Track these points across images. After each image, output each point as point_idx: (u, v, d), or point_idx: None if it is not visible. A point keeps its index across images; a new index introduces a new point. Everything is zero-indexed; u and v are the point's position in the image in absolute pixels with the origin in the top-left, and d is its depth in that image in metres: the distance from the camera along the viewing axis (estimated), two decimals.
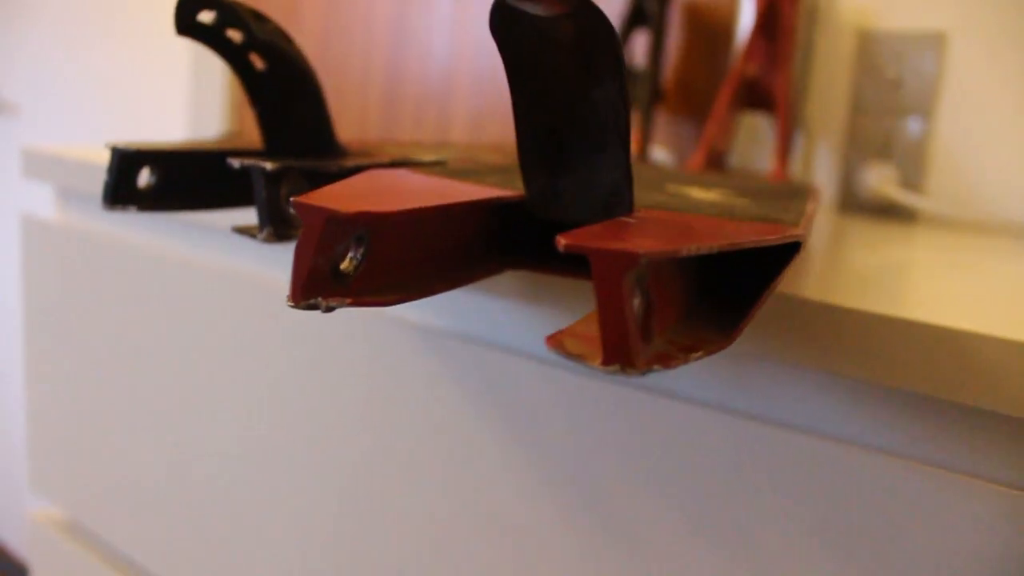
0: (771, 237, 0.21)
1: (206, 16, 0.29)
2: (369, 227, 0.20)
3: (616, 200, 0.24)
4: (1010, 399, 0.25)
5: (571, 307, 0.33)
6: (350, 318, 0.40)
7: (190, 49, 1.20)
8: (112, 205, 0.30)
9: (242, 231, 0.28)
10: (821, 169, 0.72)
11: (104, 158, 0.51)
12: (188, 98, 1.19)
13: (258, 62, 0.32)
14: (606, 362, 0.16)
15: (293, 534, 0.43)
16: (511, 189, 0.26)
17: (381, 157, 0.34)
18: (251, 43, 0.30)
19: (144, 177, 0.31)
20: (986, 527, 0.26)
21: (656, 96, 0.71)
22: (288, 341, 0.42)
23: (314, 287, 0.19)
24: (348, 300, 0.20)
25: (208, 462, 0.47)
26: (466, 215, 0.25)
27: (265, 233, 0.27)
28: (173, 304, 0.48)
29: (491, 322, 0.37)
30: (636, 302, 0.17)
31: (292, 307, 0.19)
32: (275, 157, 0.30)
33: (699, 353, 0.19)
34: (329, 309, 0.19)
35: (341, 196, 0.20)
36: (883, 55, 0.69)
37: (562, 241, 0.16)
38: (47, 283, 0.56)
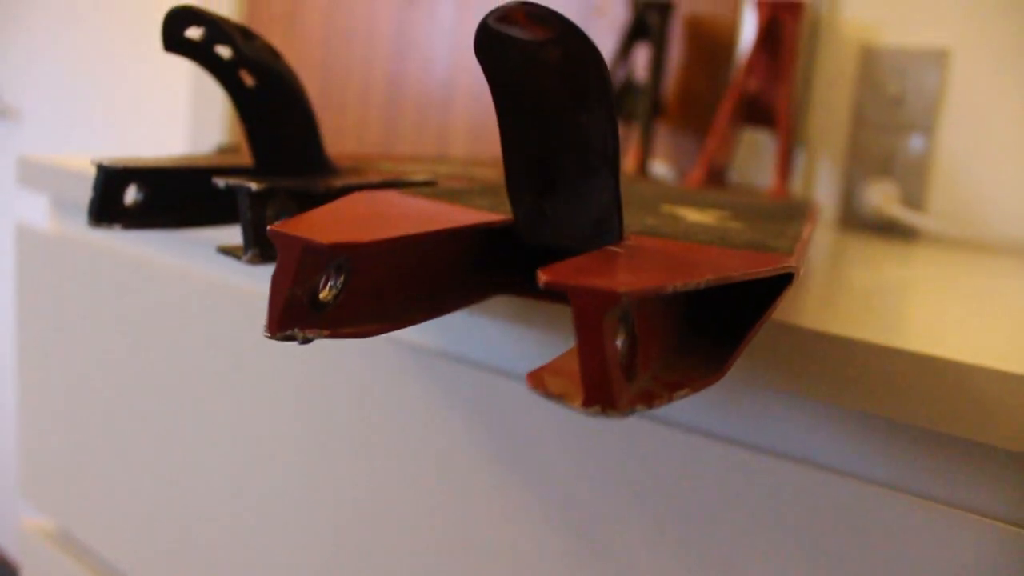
0: (761, 270, 0.20)
1: (194, 32, 0.29)
2: (348, 256, 0.20)
3: (605, 226, 0.24)
4: (1007, 433, 0.25)
5: (564, 329, 0.32)
6: None
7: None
8: (97, 223, 0.29)
9: (227, 252, 0.27)
10: (822, 185, 0.71)
11: None
12: (189, 106, 1.19)
13: (248, 79, 0.31)
14: (586, 403, 0.16)
15: (282, 548, 0.42)
16: (499, 213, 0.26)
17: (370, 176, 0.34)
18: (240, 60, 0.30)
19: (131, 194, 0.31)
20: (981, 562, 0.26)
21: (656, 109, 0.71)
22: (279, 356, 0.42)
23: (291, 318, 0.19)
24: (325, 332, 0.19)
25: (199, 475, 0.46)
26: (451, 240, 0.25)
27: (250, 255, 0.27)
28: (166, 316, 0.47)
29: (483, 343, 0.36)
30: (619, 340, 0.17)
31: (268, 338, 0.18)
32: (262, 176, 0.30)
33: (685, 391, 0.18)
34: (306, 341, 0.19)
35: (320, 224, 0.20)
36: (885, 71, 0.68)
37: (543, 277, 0.16)
38: (41, 293, 0.55)
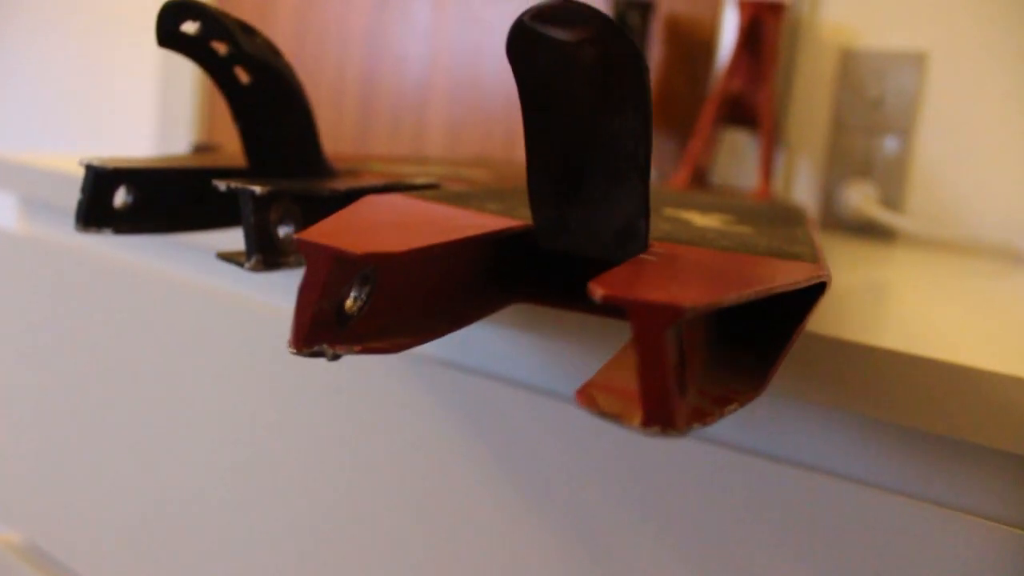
0: (800, 279, 0.20)
1: (190, 27, 0.27)
2: (378, 266, 0.19)
3: (630, 234, 0.23)
4: (1011, 435, 0.25)
5: (570, 335, 0.31)
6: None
7: (159, 54, 1.17)
8: (86, 227, 0.28)
9: (228, 258, 0.26)
10: (801, 186, 0.72)
11: (71, 167, 0.49)
12: (156, 104, 1.16)
13: (243, 76, 0.30)
14: (646, 423, 0.15)
15: (264, 563, 0.41)
16: (515, 218, 0.25)
17: (369, 178, 0.33)
18: (237, 56, 0.29)
19: (120, 196, 0.29)
20: (987, 565, 0.25)
21: None
22: (265, 363, 0.40)
23: (318, 333, 0.18)
24: (356, 347, 0.18)
25: (174, 485, 0.45)
26: (472, 248, 0.24)
27: (253, 261, 0.25)
28: (139, 320, 0.46)
29: (483, 350, 0.35)
30: (673, 355, 0.16)
31: (295, 354, 0.17)
32: (262, 178, 0.28)
33: (734, 406, 0.18)
34: (335, 357, 0.18)
35: (346, 232, 0.19)
36: (864, 73, 0.69)
37: (599, 291, 0.15)
38: (8, 297, 0.53)
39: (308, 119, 0.31)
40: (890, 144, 0.68)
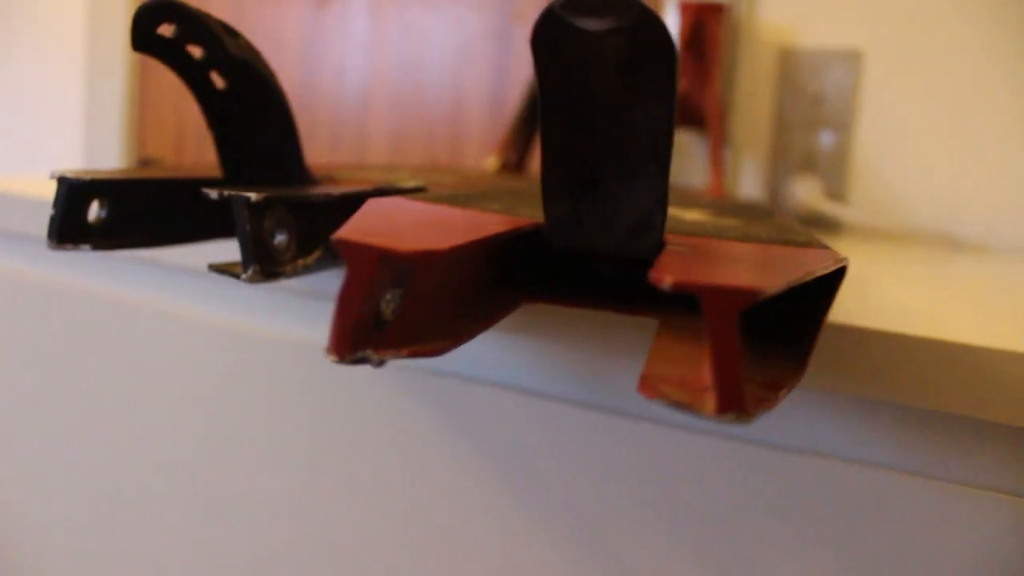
0: (830, 264, 0.20)
1: (166, 29, 0.26)
2: (418, 265, 0.18)
3: (646, 228, 0.23)
4: (1012, 409, 0.26)
5: (562, 336, 0.31)
6: (308, 353, 0.37)
7: (84, 71, 1.12)
8: (61, 244, 0.26)
9: (222, 270, 0.25)
10: (748, 182, 0.73)
11: (10, 188, 0.46)
12: (82, 124, 1.11)
13: (218, 80, 0.29)
14: (722, 411, 0.15)
15: None
16: (525, 217, 0.24)
17: (354, 184, 0.32)
18: (215, 59, 0.27)
19: (94, 211, 0.27)
20: (995, 537, 0.26)
21: None
22: (242, 383, 0.39)
23: (360, 338, 0.17)
24: (404, 351, 0.17)
25: (144, 516, 0.43)
26: (493, 247, 0.23)
27: (250, 272, 0.24)
28: (87, 344, 0.43)
29: (473, 356, 0.35)
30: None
31: (337, 362, 0.16)
32: (246, 186, 0.27)
33: (785, 390, 0.18)
34: (381, 363, 0.17)
35: (379, 232, 0.18)
36: (804, 71, 0.71)
37: (667, 279, 0.15)
38: None
39: (290, 124, 0.29)
40: (830, 139, 0.70)
